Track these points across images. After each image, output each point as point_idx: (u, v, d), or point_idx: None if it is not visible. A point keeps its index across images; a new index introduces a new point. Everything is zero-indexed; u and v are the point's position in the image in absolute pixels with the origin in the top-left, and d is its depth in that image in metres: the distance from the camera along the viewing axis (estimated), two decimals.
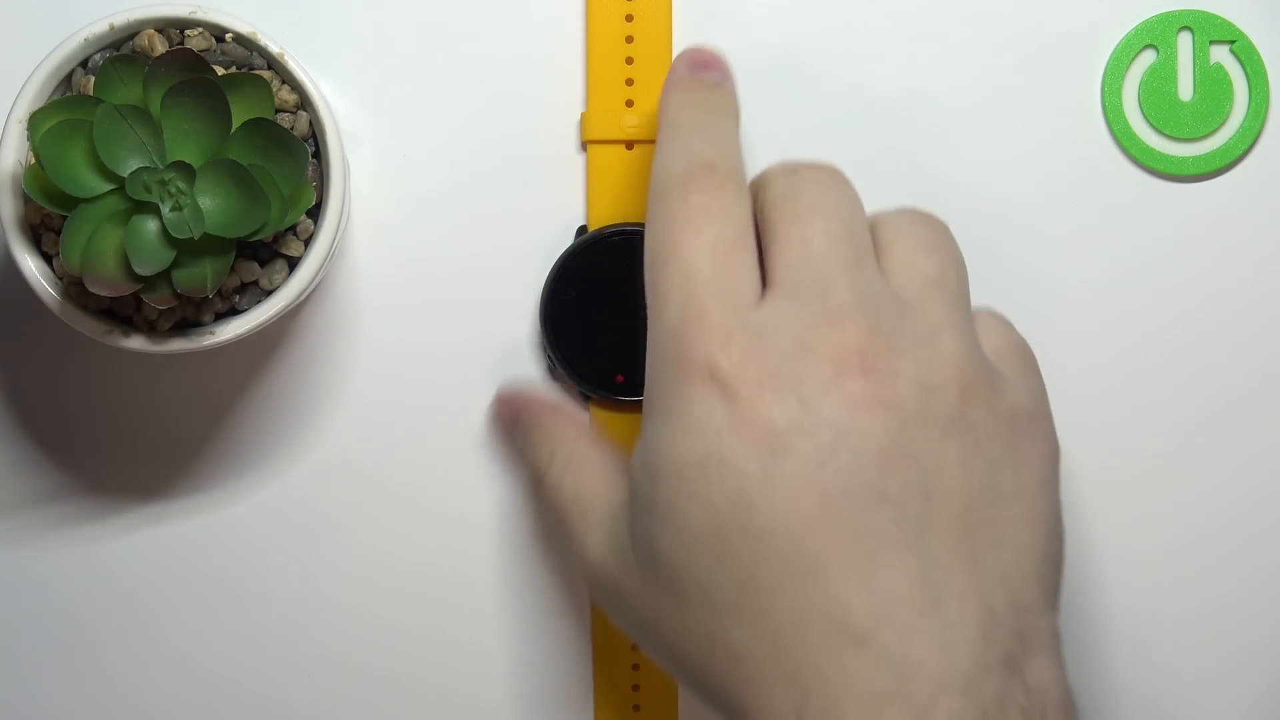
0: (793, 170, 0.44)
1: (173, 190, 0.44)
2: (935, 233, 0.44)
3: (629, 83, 0.51)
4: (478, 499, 0.54)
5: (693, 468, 0.39)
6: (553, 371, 0.52)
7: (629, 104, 0.51)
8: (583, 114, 0.52)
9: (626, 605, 0.42)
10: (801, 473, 0.38)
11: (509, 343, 0.53)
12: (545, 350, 0.51)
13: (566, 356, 0.51)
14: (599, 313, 0.50)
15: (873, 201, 0.54)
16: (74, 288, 0.47)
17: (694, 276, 0.41)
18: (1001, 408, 0.41)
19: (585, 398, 0.52)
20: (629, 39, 0.51)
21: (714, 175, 0.42)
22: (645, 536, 0.40)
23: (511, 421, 0.51)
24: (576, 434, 0.48)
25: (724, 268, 0.41)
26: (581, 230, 0.51)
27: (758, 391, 0.39)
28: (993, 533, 0.40)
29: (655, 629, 0.41)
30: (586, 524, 0.44)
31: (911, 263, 0.43)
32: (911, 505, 0.38)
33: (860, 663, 0.37)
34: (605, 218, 0.52)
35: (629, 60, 0.51)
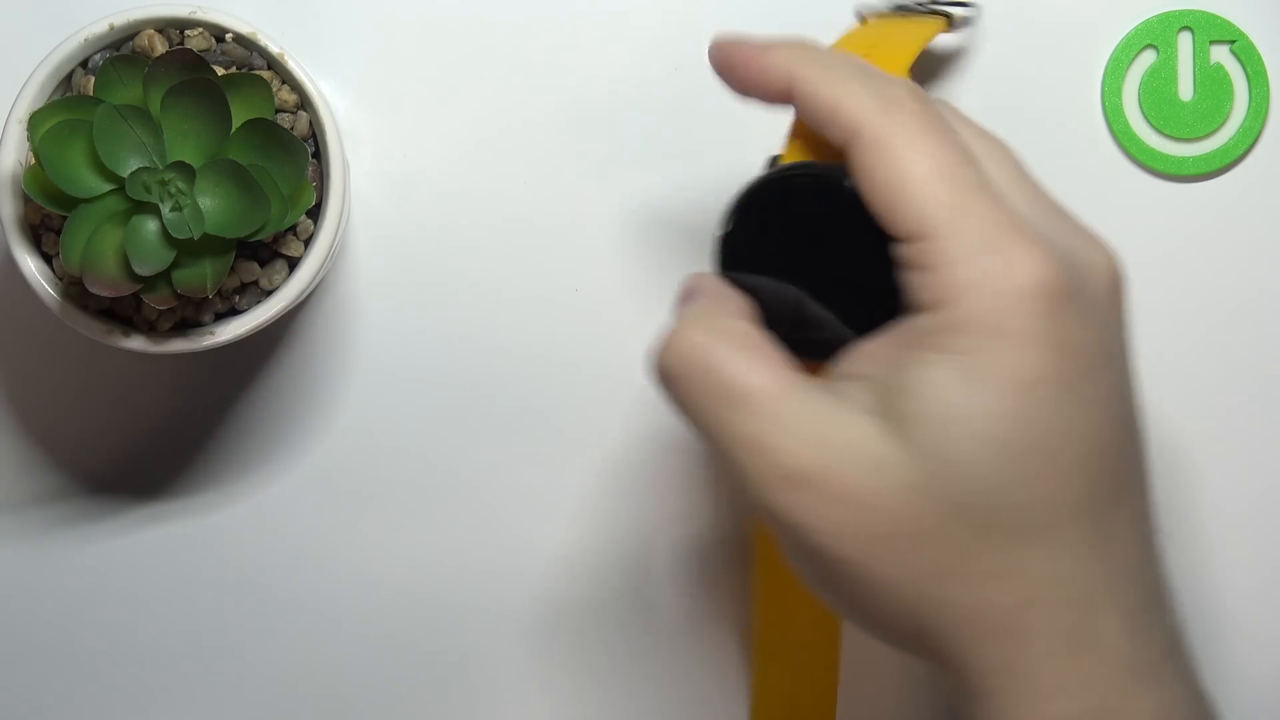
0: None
1: (173, 190, 0.44)
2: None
3: None
4: (478, 499, 0.54)
5: (1031, 385, 0.36)
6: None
7: None
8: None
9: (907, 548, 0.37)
10: (1101, 392, 0.37)
11: (509, 342, 0.53)
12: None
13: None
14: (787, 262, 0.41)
15: None
16: (74, 288, 0.47)
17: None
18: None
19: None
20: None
21: None
22: (970, 462, 0.36)
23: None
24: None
25: None
26: (774, 161, 0.43)
27: (1068, 302, 0.37)
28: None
29: (939, 568, 0.37)
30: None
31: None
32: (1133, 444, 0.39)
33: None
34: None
35: None
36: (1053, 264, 0.36)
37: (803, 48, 0.41)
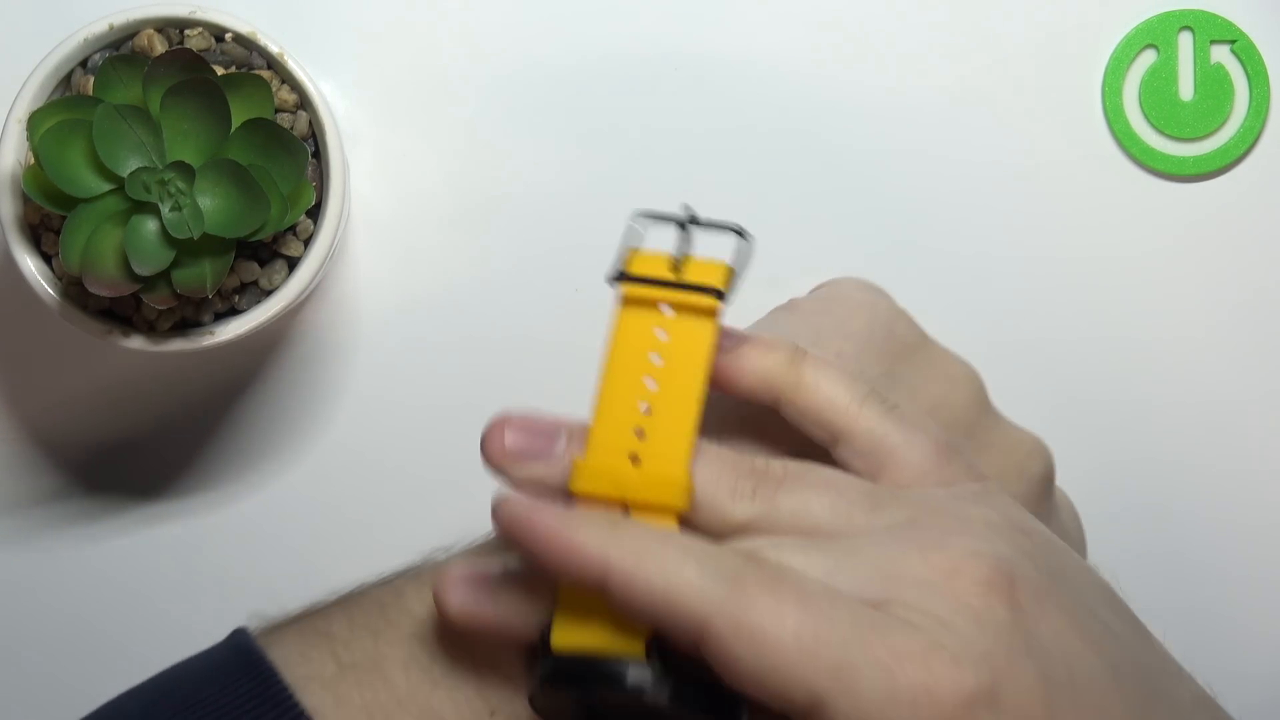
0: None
1: (172, 190, 0.44)
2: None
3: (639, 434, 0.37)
4: (478, 499, 0.54)
5: None
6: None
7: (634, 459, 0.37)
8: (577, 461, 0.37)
9: None
10: (1074, 709, 0.35)
11: (509, 342, 0.53)
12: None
13: None
14: None
15: (873, 200, 0.54)
16: (74, 288, 0.47)
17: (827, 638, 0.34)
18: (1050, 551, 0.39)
19: None
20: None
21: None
22: None
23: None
24: None
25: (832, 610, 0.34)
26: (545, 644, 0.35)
27: (998, 682, 0.34)
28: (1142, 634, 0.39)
29: None
30: None
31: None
32: (1128, 651, 0.37)
33: None
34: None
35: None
36: (954, 669, 0.34)
37: (613, 527, 0.35)
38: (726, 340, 0.38)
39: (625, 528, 0.35)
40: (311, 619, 0.39)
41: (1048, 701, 0.34)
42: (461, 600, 0.36)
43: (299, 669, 0.37)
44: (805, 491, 0.37)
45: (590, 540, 0.34)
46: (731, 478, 0.37)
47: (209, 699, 0.37)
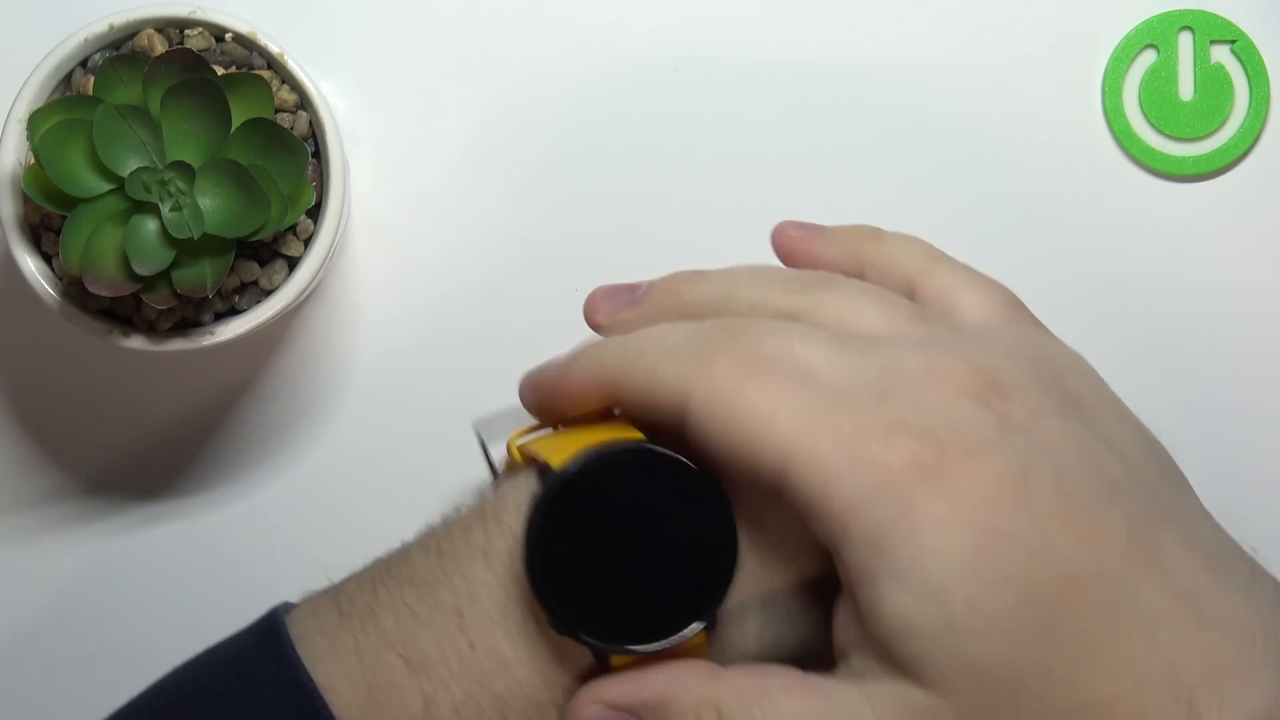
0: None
1: (172, 190, 0.44)
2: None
3: None
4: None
5: (973, 558, 0.35)
6: (558, 628, 0.38)
7: None
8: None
9: None
10: (1056, 502, 0.36)
11: (508, 342, 0.53)
12: (547, 606, 0.38)
13: (573, 613, 0.37)
14: (604, 551, 0.38)
15: (872, 201, 0.54)
16: (74, 288, 0.47)
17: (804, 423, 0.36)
18: (1055, 369, 0.40)
19: (602, 657, 0.38)
20: None
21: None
22: (962, 670, 0.35)
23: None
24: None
25: (813, 393, 0.37)
26: (544, 470, 0.38)
27: (961, 459, 0.35)
28: (1172, 470, 0.40)
29: None
30: None
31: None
32: (1128, 475, 0.38)
33: (1212, 638, 0.36)
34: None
35: None
36: (913, 442, 0.36)
37: (595, 349, 0.39)
38: (801, 229, 0.43)
39: (601, 346, 0.39)
40: (337, 584, 0.41)
41: (1020, 492, 0.35)
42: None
43: (309, 622, 0.39)
44: (854, 295, 0.40)
45: (583, 372, 0.39)
46: (792, 275, 0.41)
47: (224, 653, 0.40)
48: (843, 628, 0.37)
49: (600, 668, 0.38)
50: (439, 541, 0.40)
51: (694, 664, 0.37)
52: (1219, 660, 0.36)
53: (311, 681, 0.38)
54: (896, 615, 0.35)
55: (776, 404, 0.36)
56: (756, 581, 0.38)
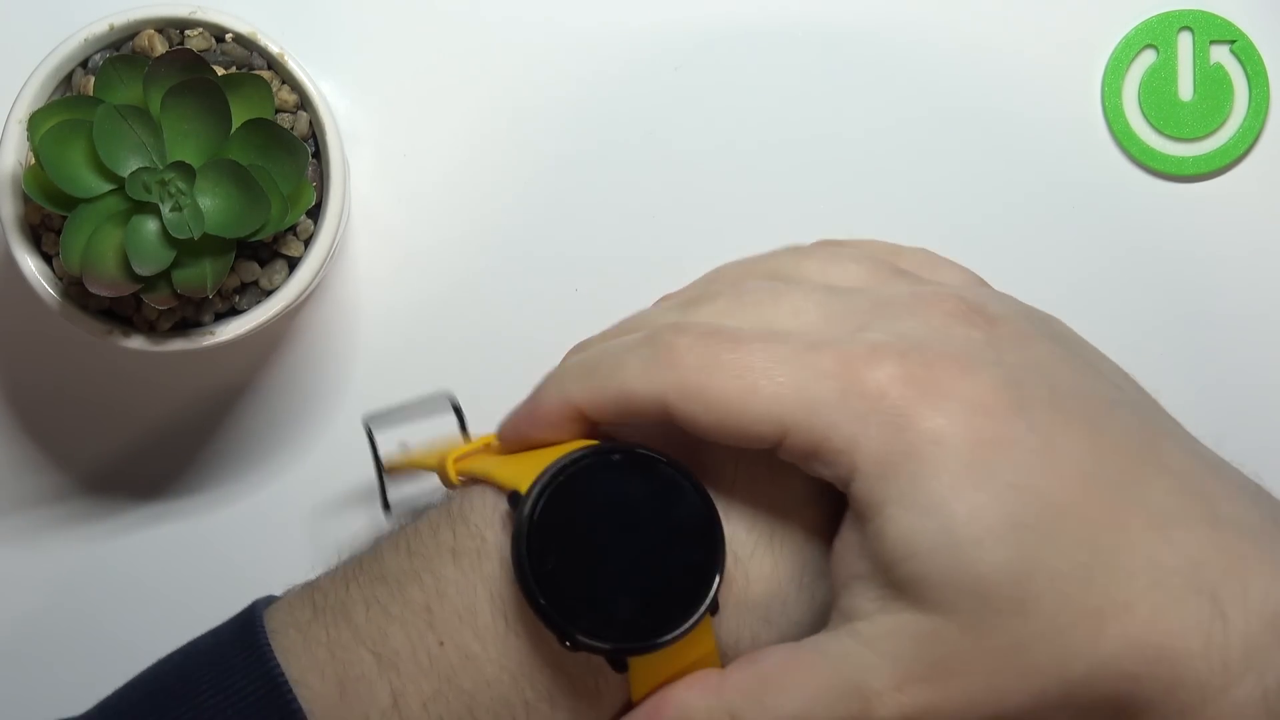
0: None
1: (173, 190, 0.44)
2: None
3: None
4: None
5: (972, 468, 0.34)
6: (572, 646, 0.37)
7: None
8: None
9: (971, 683, 0.35)
10: (1053, 411, 0.35)
11: (509, 342, 0.53)
12: (554, 627, 0.37)
13: (583, 627, 0.37)
14: (595, 559, 0.38)
15: (872, 200, 0.54)
16: (74, 288, 0.47)
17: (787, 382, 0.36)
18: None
19: (618, 662, 0.38)
20: None
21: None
22: (965, 586, 0.35)
23: None
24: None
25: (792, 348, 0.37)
26: (514, 497, 0.38)
27: (952, 372, 0.35)
28: (1162, 409, 0.39)
29: (1019, 669, 0.35)
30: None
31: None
32: (1119, 394, 0.38)
33: (1229, 535, 0.36)
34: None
35: None
36: (899, 360, 0.35)
37: (556, 379, 0.39)
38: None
39: (565, 369, 0.39)
40: (313, 580, 0.42)
41: (1015, 400, 0.35)
42: None
43: (284, 617, 0.40)
44: (834, 255, 0.40)
45: (550, 392, 0.39)
46: (767, 254, 0.42)
47: (203, 645, 0.41)
48: (840, 561, 0.36)
49: (617, 671, 0.37)
50: (409, 540, 0.40)
51: (694, 679, 0.37)
52: (1240, 557, 0.35)
53: (282, 674, 0.38)
54: (898, 537, 0.34)
55: (753, 368, 0.36)
56: (761, 559, 0.38)
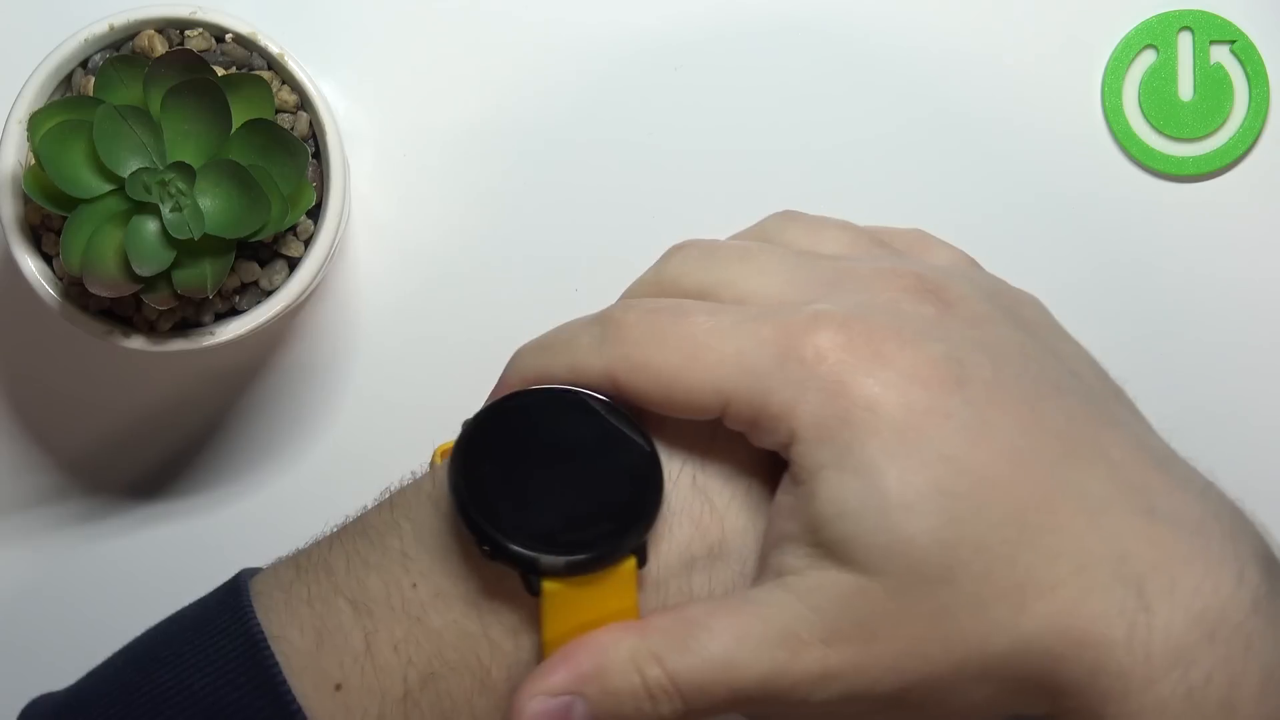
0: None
1: (173, 191, 0.44)
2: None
3: None
4: None
5: (906, 435, 0.35)
6: (492, 553, 0.37)
7: None
8: None
9: (889, 659, 0.36)
10: (993, 389, 0.36)
11: (509, 342, 0.53)
12: (474, 528, 0.38)
13: (499, 530, 0.37)
14: (527, 477, 0.38)
15: (872, 200, 0.54)
16: (74, 288, 0.47)
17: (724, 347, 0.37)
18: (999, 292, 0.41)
19: (531, 584, 0.38)
20: None
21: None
22: (892, 548, 0.35)
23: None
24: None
25: (733, 318, 0.38)
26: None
27: (892, 343, 0.36)
28: (1124, 396, 0.40)
29: (943, 644, 0.35)
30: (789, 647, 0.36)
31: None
32: (1072, 380, 0.38)
33: (1163, 529, 0.36)
34: None
35: None
36: (839, 329, 0.36)
37: (515, 361, 0.41)
38: None
39: (526, 346, 0.41)
40: (300, 548, 0.42)
41: (955, 375, 0.35)
42: None
43: (269, 580, 0.40)
44: (816, 221, 0.42)
45: (510, 372, 0.41)
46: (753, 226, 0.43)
47: (189, 612, 0.41)
48: (774, 524, 0.37)
49: (531, 594, 0.37)
50: (393, 497, 0.41)
51: (616, 626, 0.37)
52: (1171, 551, 0.35)
53: (261, 631, 0.38)
54: (829, 498, 0.35)
55: (695, 339, 0.37)
56: (705, 527, 0.38)
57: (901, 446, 0.35)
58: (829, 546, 0.35)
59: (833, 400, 0.35)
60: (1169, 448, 0.39)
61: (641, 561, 0.37)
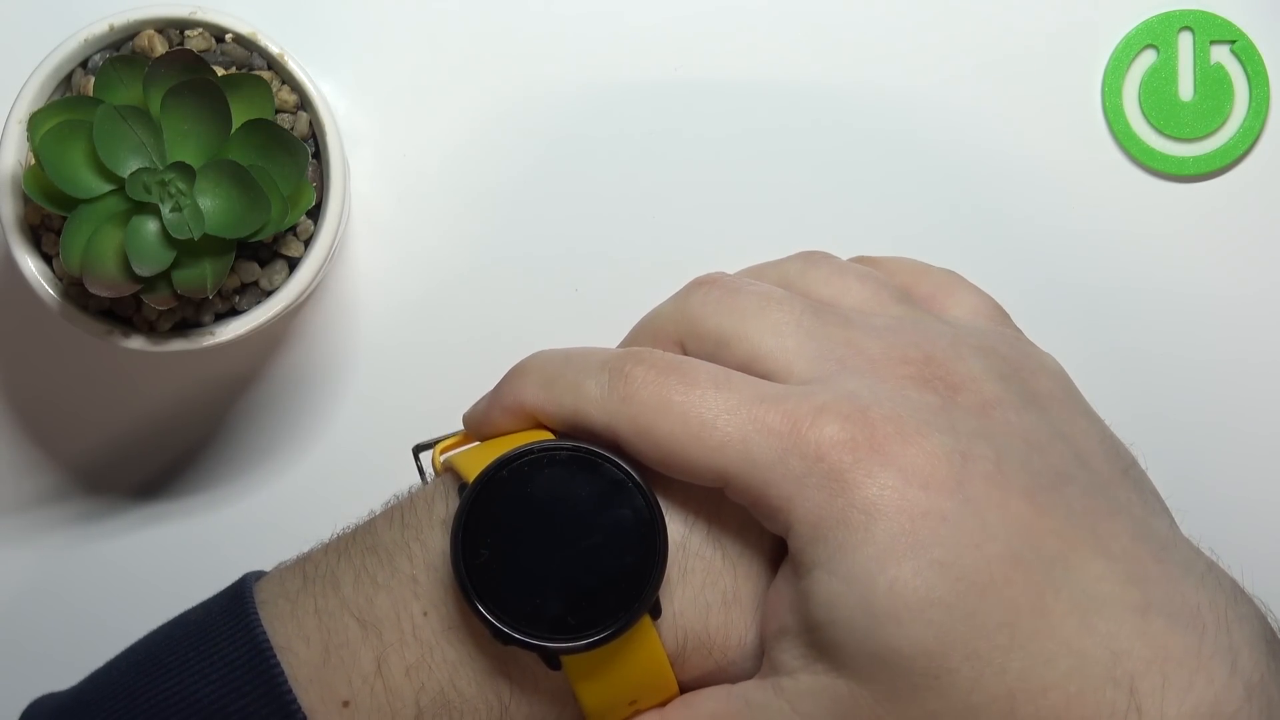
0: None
1: (173, 191, 0.44)
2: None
3: None
4: None
5: (899, 542, 0.35)
6: (502, 640, 0.37)
7: None
8: None
9: None
10: (994, 484, 0.36)
11: (509, 342, 0.53)
12: (487, 621, 0.37)
13: (511, 621, 0.37)
14: (529, 552, 0.37)
15: (872, 199, 0.54)
16: (74, 288, 0.47)
17: (732, 413, 0.37)
18: (1023, 365, 0.40)
19: (551, 660, 0.38)
20: None
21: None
22: (881, 657, 0.35)
23: None
24: None
25: (738, 386, 0.37)
26: (462, 487, 0.39)
27: (895, 439, 0.36)
28: (1135, 472, 0.39)
29: None
30: None
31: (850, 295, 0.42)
32: (1077, 467, 0.37)
33: (1157, 625, 0.36)
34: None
35: None
36: (843, 423, 0.36)
37: (514, 386, 0.40)
38: None
39: (529, 374, 0.40)
40: (305, 553, 0.42)
41: (955, 473, 0.35)
42: None
43: (274, 588, 0.40)
44: (838, 269, 0.41)
45: (508, 390, 0.40)
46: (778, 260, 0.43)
47: (193, 616, 0.41)
48: (773, 613, 0.37)
49: (551, 669, 0.37)
50: (402, 512, 0.40)
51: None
52: (1164, 648, 0.35)
53: (267, 641, 0.38)
54: (822, 602, 0.35)
55: (701, 416, 0.37)
56: (718, 573, 0.38)
57: (894, 553, 0.35)
58: (822, 649, 0.35)
59: (831, 500, 0.35)
60: (1171, 528, 0.39)
61: (655, 614, 0.37)
